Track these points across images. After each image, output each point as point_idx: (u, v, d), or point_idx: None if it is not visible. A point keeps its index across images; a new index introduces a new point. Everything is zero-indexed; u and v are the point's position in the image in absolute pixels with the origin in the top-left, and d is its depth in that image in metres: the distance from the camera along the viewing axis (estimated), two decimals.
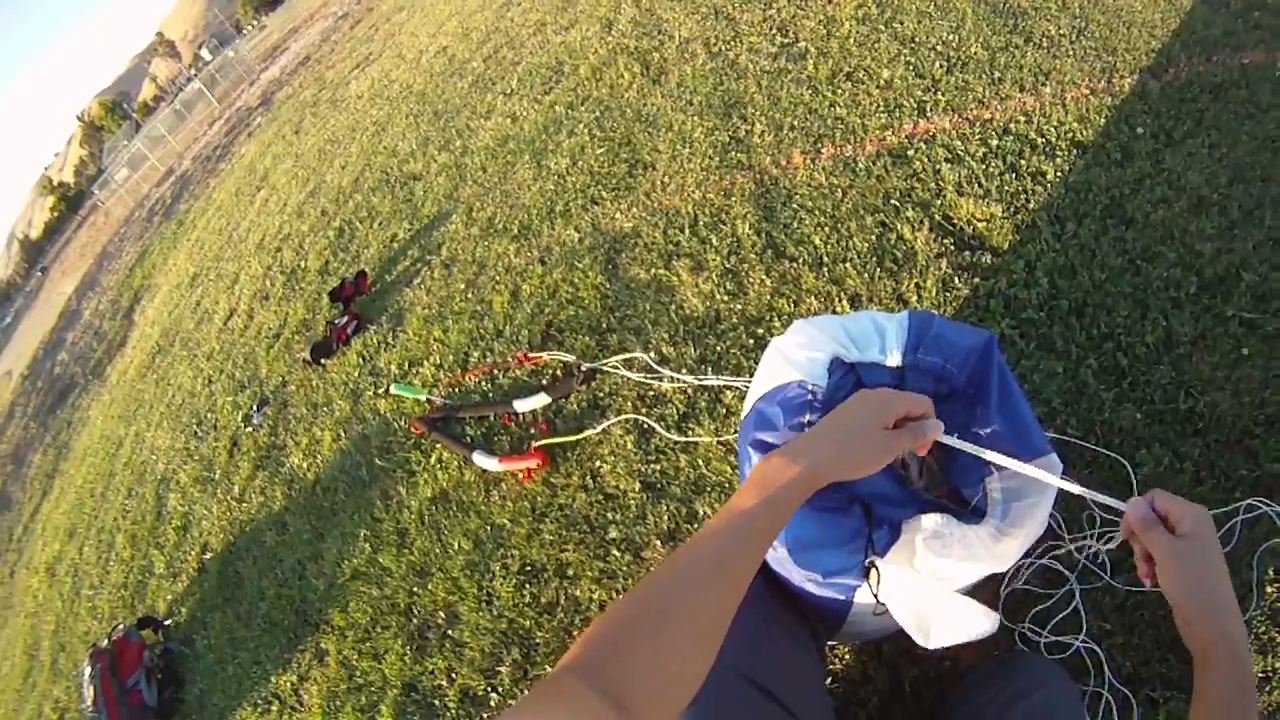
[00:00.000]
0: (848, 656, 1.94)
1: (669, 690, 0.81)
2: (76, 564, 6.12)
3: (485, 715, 2.42)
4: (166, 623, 4.20)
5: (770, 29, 4.39)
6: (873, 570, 1.20)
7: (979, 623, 1.20)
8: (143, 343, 9.66)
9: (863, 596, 1.29)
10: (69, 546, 6.59)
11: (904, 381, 1.30)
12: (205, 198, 14.78)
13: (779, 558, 1.30)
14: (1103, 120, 2.73)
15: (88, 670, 3.83)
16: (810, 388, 1.27)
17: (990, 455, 1.09)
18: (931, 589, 1.21)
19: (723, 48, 4.54)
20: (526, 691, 2.17)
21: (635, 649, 0.80)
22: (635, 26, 5.64)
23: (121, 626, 4.08)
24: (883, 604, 1.24)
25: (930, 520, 1.17)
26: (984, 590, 1.72)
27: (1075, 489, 1.08)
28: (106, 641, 3.97)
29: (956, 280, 2.47)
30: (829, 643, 1.86)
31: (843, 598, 1.34)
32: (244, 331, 6.58)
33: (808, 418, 1.24)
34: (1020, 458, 1.11)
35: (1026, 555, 1.41)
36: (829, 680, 1.90)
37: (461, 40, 8.70)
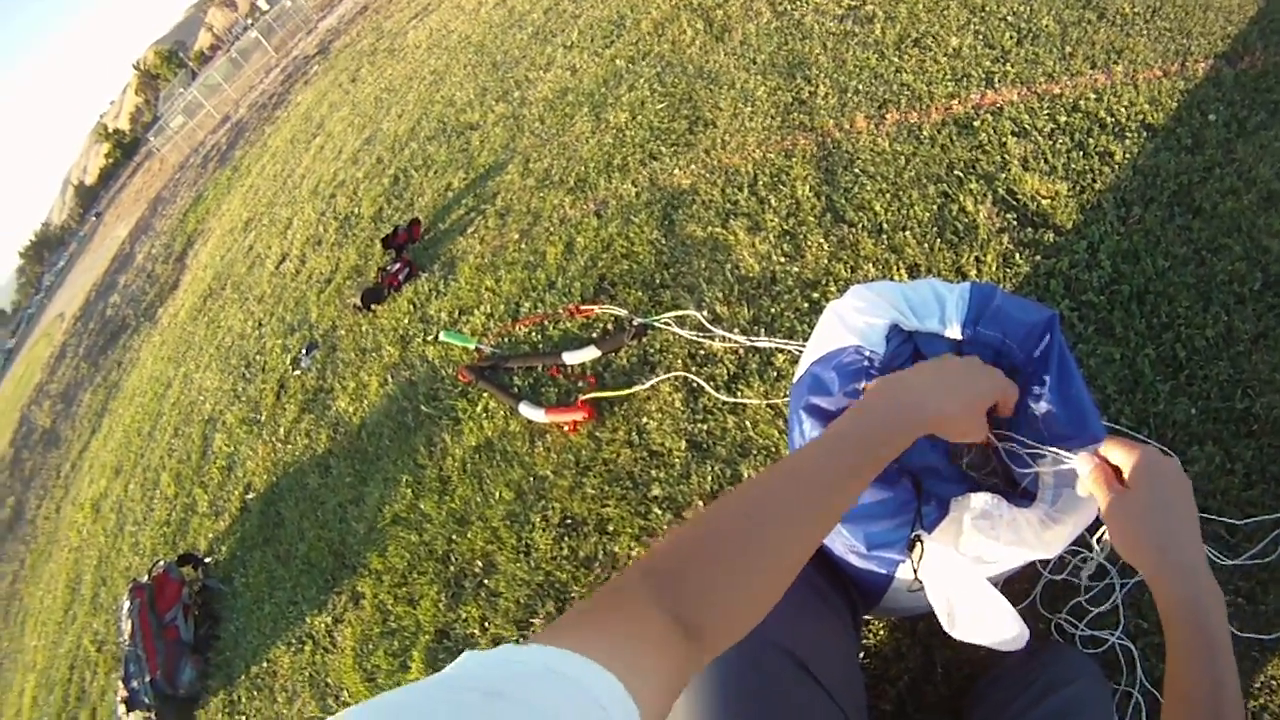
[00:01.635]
0: (881, 632, 1.93)
1: (737, 618, 0.78)
2: (121, 500, 6.27)
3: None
4: (207, 560, 4.29)
5: None
6: (917, 544, 1.19)
7: (1009, 629, 1.18)
8: (194, 286, 9.82)
9: (904, 572, 1.28)
10: (115, 484, 6.75)
11: (962, 354, 1.27)
12: (260, 144, 14.92)
13: None
14: (1174, 104, 2.65)
15: (127, 604, 3.91)
16: (867, 354, 1.24)
17: (1036, 447, 1.07)
18: (972, 577, 1.19)
19: (788, 7, 4.45)
20: (593, 595, 2.18)
21: (714, 571, 0.77)
22: None
23: (162, 563, 4.17)
24: (919, 580, 1.22)
25: (980, 500, 1.15)
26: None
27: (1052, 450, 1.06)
28: (147, 577, 4.06)
29: (1017, 256, 2.43)
30: (864, 617, 1.85)
31: (884, 572, 1.33)
32: (295, 276, 6.66)
33: (863, 384, 1.22)
34: (1074, 441, 1.09)
35: (1072, 545, 1.38)
36: (861, 655, 1.89)
37: None
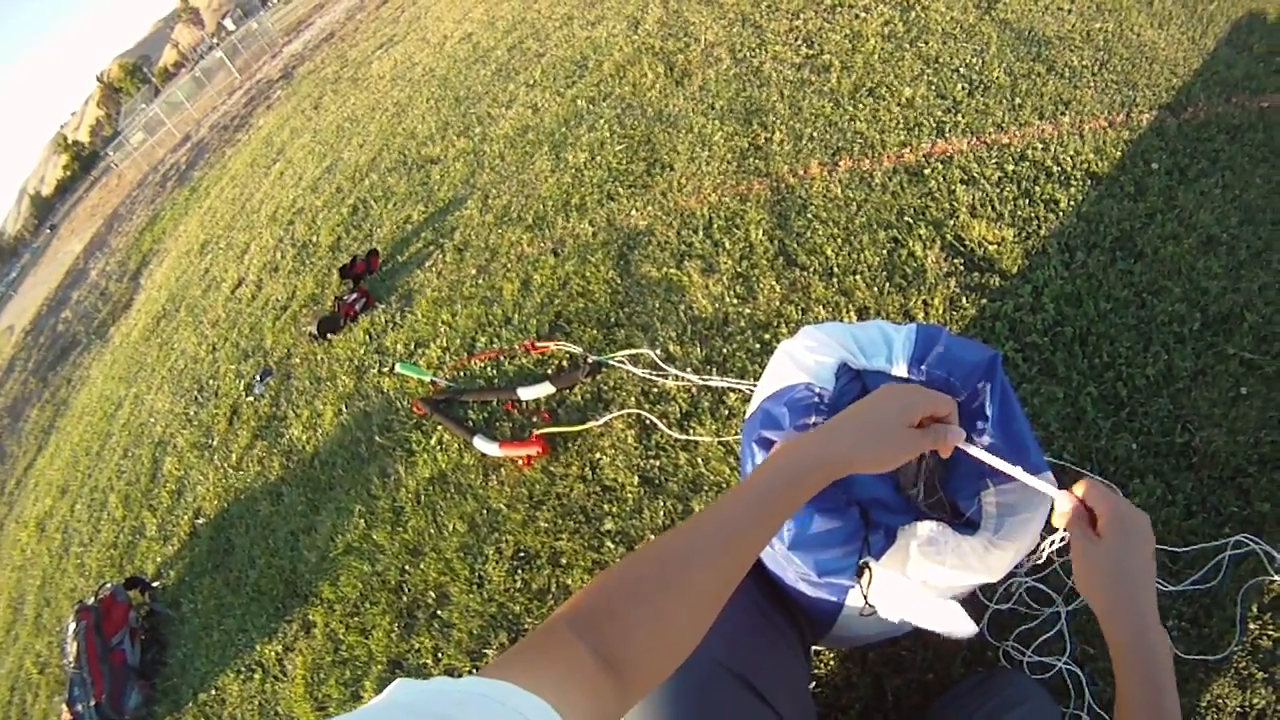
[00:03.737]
0: (832, 662, 1.96)
1: (661, 657, 0.81)
2: (67, 521, 6.15)
3: None
4: (154, 584, 4.22)
5: (796, 40, 4.41)
6: (865, 571, 1.23)
7: (960, 624, 1.22)
8: (148, 306, 9.68)
9: (854, 599, 1.31)
10: (61, 503, 6.62)
11: None
12: (220, 166, 14.80)
13: (775, 555, 1.32)
14: (1119, 153, 2.75)
15: (72, 626, 3.85)
16: (817, 391, 1.29)
17: (1003, 465, 1.11)
18: (920, 594, 1.23)
19: (748, 54, 4.56)
20: (520, 640, 2.18)
21: (635, 613, 0.80)
22: (661, 27, 5.66)
23: (109, 585, 4.10)
24: (871, 606, 1.26)
25: (925, 527, 1.20)
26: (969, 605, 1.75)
27: (1028, 478, 1.10)
28: (93, 599, 3.99)
29: (964, 300, 2.50)
30: (815, 647, 1.88)
31: (834, 599, 1.36)
32: (251, 301, 6.61)
33: (813, 419, 1.26)
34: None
35: (1016, 571, 1.43)
36: (813, 684, 1.92)
37: (487, 28, 8.72)
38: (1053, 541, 1.22)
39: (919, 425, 1.05)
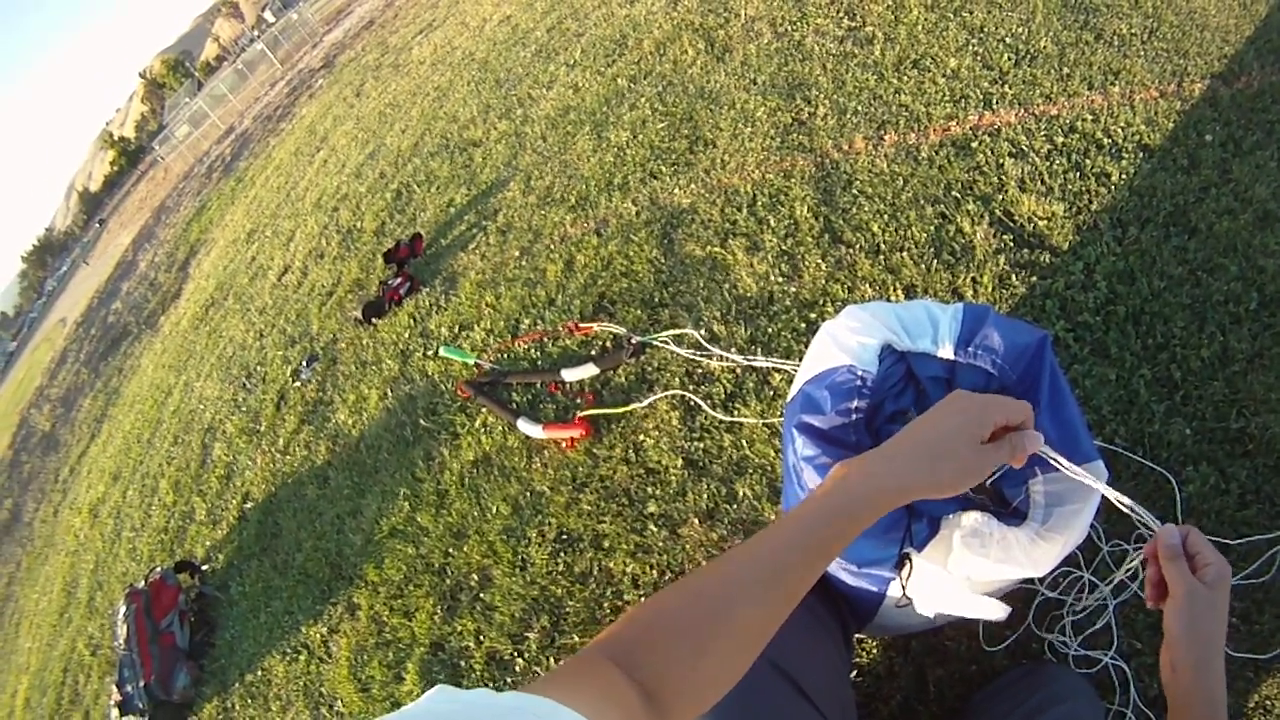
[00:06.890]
0: (875, 651, 1.93)
1: (700, 692, 0.79)
2: (119, 506, 6.30)
3: (510, 680, 2.45)
4: (204, 568, 4.30)
5: (838, 12, 4.33)
6: (906, 562, 1.20)
7: (992, 610, 1.19)
8: (197, 295, 9.84)
9: (896, 589, 1.29)
10: (113, 489, 6.78)
11: (954, 375, 1.28)
12: (265, 156, 14.94)
13: None
14: (1171, 124, 2.67)
15: (123, 609, 3.93)
16: (860, 373, 1.26)
17: (1082, 474, 1.05)
18: (959, 588, 1.20)
19: (789, 28, 4.48)
20: (555, 666, 2.16)
21: (677, 647, 0.78)
22: (701, 3, 5.58)
23: (159, 569, 4.19)
24: (908, 597, 1.23)
25: (970, 518, 1.16)
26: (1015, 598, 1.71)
27: (1125, 501, 1.05)
28: (143, 582, 4.08)
29: (1014, 278, 2.44)
30: (856, 635, 1.85)
31: (876, 589, 1.34)
32: (297, 288, 6.68)
33: (855, 403, 1.23)
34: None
35: (1064, 565, 1.38)
36: (854, 673, 1.90)
37: (525, 10, 8.67)
38: (1131, 572, 1.19)
39: (991, 438, 0.96)
